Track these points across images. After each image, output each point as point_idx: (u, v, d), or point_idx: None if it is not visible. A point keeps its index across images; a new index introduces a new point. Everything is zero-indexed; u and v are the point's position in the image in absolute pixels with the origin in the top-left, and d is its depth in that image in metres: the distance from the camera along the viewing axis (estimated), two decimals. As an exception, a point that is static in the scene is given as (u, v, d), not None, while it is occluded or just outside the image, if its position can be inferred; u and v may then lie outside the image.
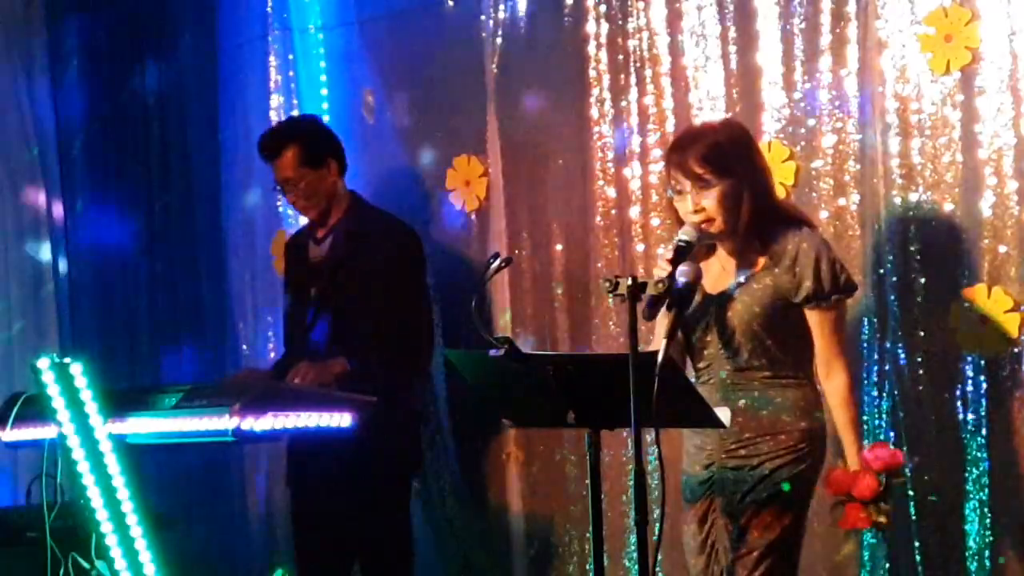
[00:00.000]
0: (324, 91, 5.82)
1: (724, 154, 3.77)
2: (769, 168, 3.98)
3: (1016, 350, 4.29)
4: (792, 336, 3.82)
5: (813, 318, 3.81)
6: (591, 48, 5.12)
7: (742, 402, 3.82)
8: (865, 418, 4.47)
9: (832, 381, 3.83)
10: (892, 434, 4.45)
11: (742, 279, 3.82)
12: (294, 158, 4.95)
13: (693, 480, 3.91)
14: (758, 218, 3.78)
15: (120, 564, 3.96)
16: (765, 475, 3.78)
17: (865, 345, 4.50)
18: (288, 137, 5.00)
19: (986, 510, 4.32)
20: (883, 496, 3.69)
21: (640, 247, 4.99)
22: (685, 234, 3.69)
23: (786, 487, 3.76)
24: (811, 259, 3.76)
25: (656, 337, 3.45)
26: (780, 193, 4.64)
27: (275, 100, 5.89)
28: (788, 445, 3.78)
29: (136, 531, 3.98)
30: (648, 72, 4.98)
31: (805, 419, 3.81)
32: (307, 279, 5.04)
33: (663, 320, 3.54)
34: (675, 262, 3.58)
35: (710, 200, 3.75)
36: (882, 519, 3.69)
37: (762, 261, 3.82)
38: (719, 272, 3.86)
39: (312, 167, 4.96)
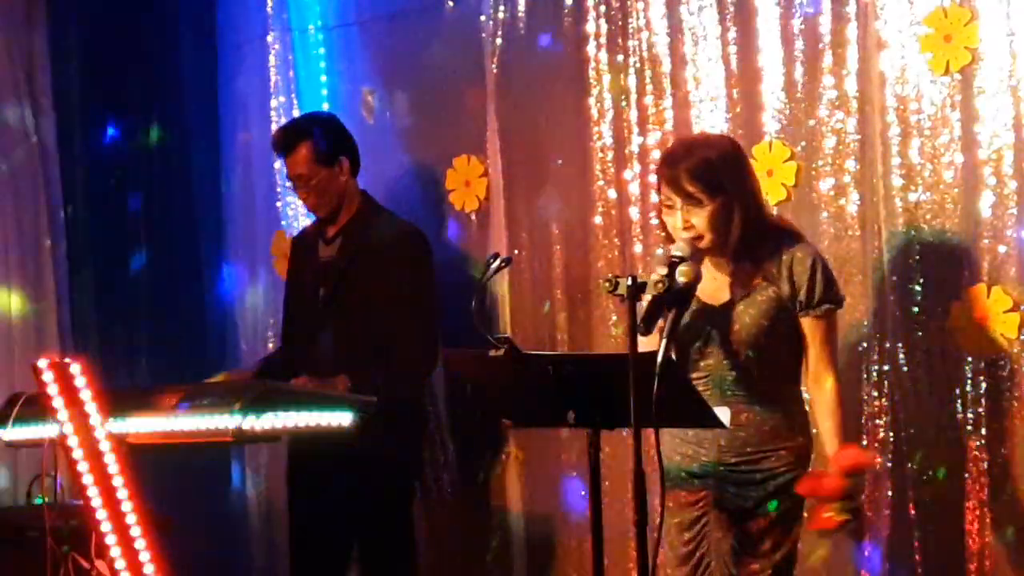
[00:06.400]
0: (324, 91, 5.82)
1: (715, 171, 3.74)
2: (759, 184, 3.97)
3: (1016, 350, 4.29)
4: (791, 348, 3.84)
5: (806, 326, 3.82)
6: (591, 48, 5.12)
7: (744, 415, 3.81)
8: (865, 418, 4.47)
9: (821, 388, 3.82)
10: (892, 434, 4.45)
11: (744, 292, 3.81)
12: (307, 155, 4.94)
13: (678, 468, 3.86)
14: (748, 235, 3.78)
15: (120, 564, 3.95)
16: (768, 493, 3.79)
17: (865, 345, 4.50)
18: (303, 134, 4.99)
19: (986, 510, 4.32)
20: (848, 494, 3.69)
21: (640, 247, 4.99)
22: (678, 250, 3.64)
23: (773, 506, 3.78)
24: (806, 267, 3.79)
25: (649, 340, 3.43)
26: (781, 194, 4.66)
27: (275, 100, 5.89)
28: (789, 461, 3.79)
29: (136, 531, 3.97)
30: (648, 72, 4.98)
31: (803, 433, 3.85)
32: (316, 278, 5.03)
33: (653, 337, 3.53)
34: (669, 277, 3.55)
35: (700, 219, 3.74)
36: (847, 516, 3.69)
37: (758, 277, 3.81)
38: (711, 282, 3.82)
39: (324, 165, 4.95)
